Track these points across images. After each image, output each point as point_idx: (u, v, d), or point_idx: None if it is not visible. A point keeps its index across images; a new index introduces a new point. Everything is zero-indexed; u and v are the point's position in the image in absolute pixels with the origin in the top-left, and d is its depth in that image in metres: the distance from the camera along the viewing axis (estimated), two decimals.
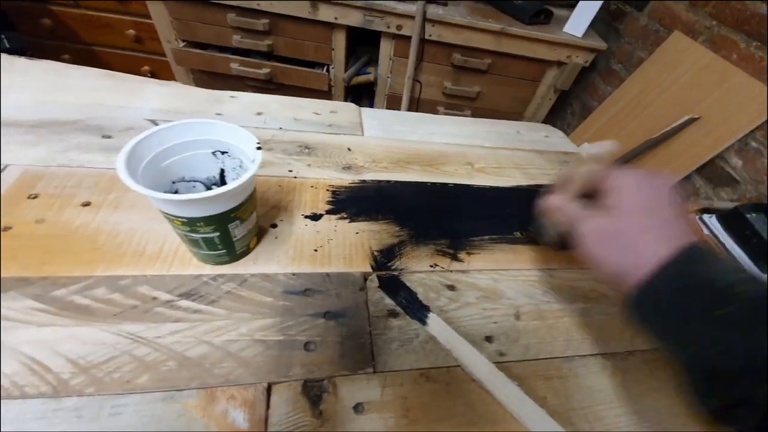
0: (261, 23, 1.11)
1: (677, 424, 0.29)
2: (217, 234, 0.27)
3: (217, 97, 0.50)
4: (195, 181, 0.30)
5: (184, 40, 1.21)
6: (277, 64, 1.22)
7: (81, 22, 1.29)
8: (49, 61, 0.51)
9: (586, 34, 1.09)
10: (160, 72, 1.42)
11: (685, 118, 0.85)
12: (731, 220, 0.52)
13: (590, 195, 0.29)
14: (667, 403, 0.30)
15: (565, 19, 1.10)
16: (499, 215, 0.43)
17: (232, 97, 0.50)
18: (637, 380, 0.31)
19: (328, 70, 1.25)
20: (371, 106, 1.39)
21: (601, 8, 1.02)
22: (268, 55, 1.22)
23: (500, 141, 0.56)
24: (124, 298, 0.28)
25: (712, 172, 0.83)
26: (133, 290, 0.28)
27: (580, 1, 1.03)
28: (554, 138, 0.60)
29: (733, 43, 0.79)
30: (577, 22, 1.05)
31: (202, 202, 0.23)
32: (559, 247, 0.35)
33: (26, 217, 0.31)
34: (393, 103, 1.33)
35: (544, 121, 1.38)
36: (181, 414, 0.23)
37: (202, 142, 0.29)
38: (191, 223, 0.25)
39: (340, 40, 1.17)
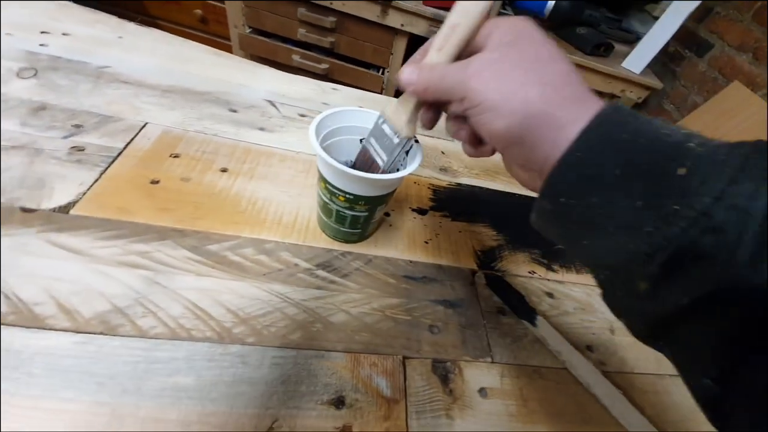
0: (329, 20, 1.15)
1: None
2: (366, 214, 0.29)
3: (322, 87, 0.52)
4: (339, 162, 0.33)
5: (251, 27, 1.25)
6: (336, 61, 1.25)
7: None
8: (156, 29, 0.54)
9: (643, 72, 1.11)
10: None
11: None
12: None
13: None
14: None
15: (624, 55, 1.12)
16: None
17: (334, 89, 0.53)
18: None
19: (383, 73, 1.28)
20: None
21: (662, 49, 1.04)
22: (328, 51, 1.26)
23: None
24: (270, 261, 0.30)
25: None
26: (276, 254, 0.31)
27: (644, 39, 1.05)
28: None
29: None
30: (637, 59, 1.08)
31: (382, 183, 0.25)
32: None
33: (172, 174, 0.34)
34: None
35: None
36: (333, 372, 0.25)
37: (356, 129, 0.31)
38: (355, 200, 0.27)
39: (400, 46, 1.20)
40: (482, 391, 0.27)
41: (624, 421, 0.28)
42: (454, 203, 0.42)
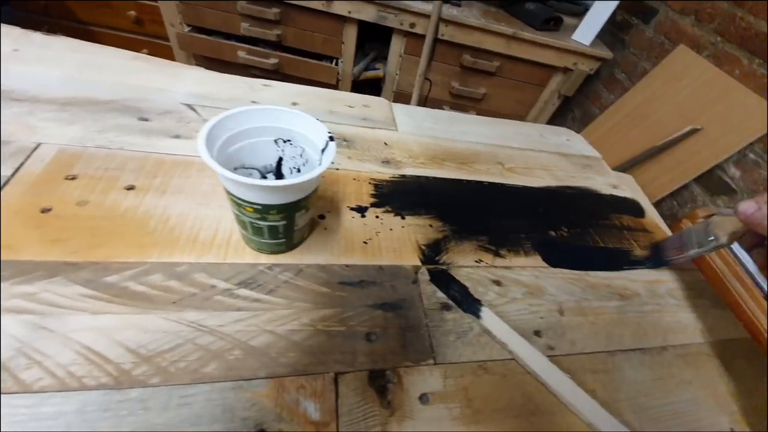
0: (272, 12, 1.09)
1: (710, 414, 0.30)
2: (284, 223, 0.26)
3: (251, 85, 0.49)
4: (252, 168, 0.30)
5: (189, 25, 1.17)
6: (285, 54, 1.20)
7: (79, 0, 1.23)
8: (67, 37, 0.48)
9: (593, 43, 1.12)
10: (160, 56, 1.37)
11: (687, 128, 0.89)
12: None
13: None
14: (700, 395, 0.32)
15: (574, 28, 1.12)
16: (532, 215, 0.44)
17: (265, 85, 0.50)
18: (671, 374, 0.33)
19: (336, 64, 1.24)
20: None
21: (609, 19, 1.05)
22: (276, 45, 1.20)
23: (526, 142, 0.57)
24: (181, 285, 0.27)
25: (711, 181, 0.87)
26: (190, 277, 0.28)
27: (590, 11, 1.05)
28: (575, 142, 0.62)
29: (736, 60, 0.83)
30: (586, 31, 1.08)
31: (288, 188, 0.23)
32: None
33: (67, 199, 0.30)
34: (400, 101, 1.33)
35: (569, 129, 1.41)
36: (253, 403, 0.23)
37: (268, 129, 0.28)
38: (264, 211, 0.24)
39: (351, 34, 1.16)
40: (423, 398, 0.25)
41: (574, 407, 0.27)
42: (397, 197, 0.40)
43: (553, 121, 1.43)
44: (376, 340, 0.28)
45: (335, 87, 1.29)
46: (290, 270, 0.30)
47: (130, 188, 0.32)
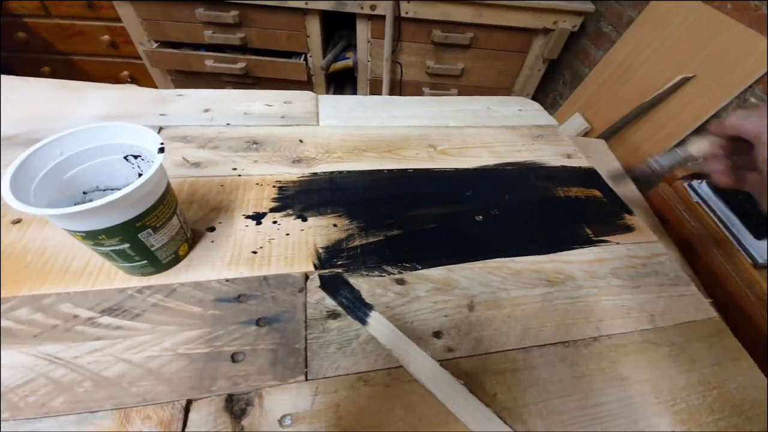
0: (230, 15, 1.07)
1: (648, 415, 0.26)
2: (128, 245, 0.25)
3: (164, 97, 0.48)
4: (111, 189, 0.29)
5: (157, 41, 1.18)
6: (253, 57, 1.18)
7: (54, 33, 1.27)
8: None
9: None
10: (141, 76, 1.40)
11: (679, 78, 0.79)
12: None
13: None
14: (637, 392, 0.28)
15: None
16: (457, 200, 0.40)
17: (179, 95, 0.48)
18: (600, 370, 0.29)
19: (305, 59, 1.21)
20: (355, 92, 1.35)
21: None
22: (243, 49, 1.19)
23: (468, 119, 0.52)
24: (45, 318, 0.27)
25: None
26: (54, 309, 0.27)
27: None
28: (528, 111, 0.56)
29: None
30: None
31: (86, 213, 0.21)
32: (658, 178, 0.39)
33: None
34: (376, 88, 1.29)
35: (535, 94, 1.32)
36: None
37: (112, 147, 0.27)
38: (91, 237, 0.23)
39: (314, 26, 1.13)
40: (284, 419, 0.24)
41: (464, 417, 0.25)
42: (302, 198, 0.38)
43: (542, 88, 1.33)
44: (242, 359, 0.26)
45: (308, 83, 1.27)
46: (162, 291, 0.29)
47: (17, 222, 0.32)
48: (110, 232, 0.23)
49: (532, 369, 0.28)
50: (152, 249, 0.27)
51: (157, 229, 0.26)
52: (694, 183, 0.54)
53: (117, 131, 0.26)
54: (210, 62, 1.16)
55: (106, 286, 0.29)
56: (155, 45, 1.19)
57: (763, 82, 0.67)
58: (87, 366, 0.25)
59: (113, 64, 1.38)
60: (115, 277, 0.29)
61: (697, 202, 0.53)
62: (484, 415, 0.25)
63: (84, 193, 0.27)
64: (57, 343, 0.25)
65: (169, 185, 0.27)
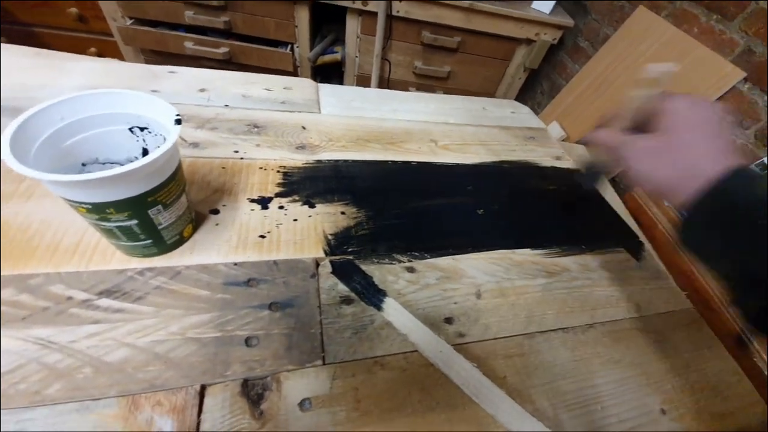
0: None
1: (640, 395, 0.29)
2: (135, 222, 0.23)
3: (154, 73, 0.45)
4: (111, 162, 0.27)
5: (131, 18, 1.11)
6: (236, 42, 1.14)
7: (15, 0, 1.15)
8: None
9: (553, 11, 1.07)
10: (111, 54, 1.30)
11: None
12: None
13: (639, 128, 0.28)
14: (629, 374, 0.30)
15: None
16: (460, 193, 0.41)
17: (171, 72, 0.46)
18: (597, 354, 0.31)
19: (292, 49, 1.18)
20: None
21: None
22: (227, 33, 1.14)
23: (466, 117, 0.54)
24: (33, 300, 0.24)
25: None
26: (44, 290, 0.25)
27: None
28: (520, 114, 0.59)
29: (694, 17, 0.80)
30: None
31: (102, 182, 0.19)
32: (593, 184, 0.38)
33: None
34: (362, 84, 1.29)
35: (516, 101, 1.37)
36: (97, 426, 0.20)
37: (116, 117, 0.25)
38: (98, 210, 0.21)
39: (303, 17, 1.10)
40: (304, 403, 0.23)
41: (478, 398, 0.25)
42: (308, 184, 0.37)
43: (521, 96, 1.39)
44: (257, 344, 0.25)
45: (294, 74, 1.24)
46: (165, 274, 0.27)
47: None
48: (120, 206, 0.22)
49: (538, 353, 0.29)
50: (159, 227, 0.25)
51: (167, 206, 0.25)
52: None
53: (125, 99, 0.24)
54: (190, 44, 1.10)
55: (102, 266, 0.26)
56: (129, 21, 1.11)
57: (723, 101, 0.74)
58: (86, 351, 0.23)
59: (80, 39, 1.27)
60: (112, 258, 0.27)
61: (668, 205, 0.57)
62: (497, 396, 0.26)
63: (83, 164, 0.25)
64: (49, 327, 0.23)
65: (180, 161, 0.25)
